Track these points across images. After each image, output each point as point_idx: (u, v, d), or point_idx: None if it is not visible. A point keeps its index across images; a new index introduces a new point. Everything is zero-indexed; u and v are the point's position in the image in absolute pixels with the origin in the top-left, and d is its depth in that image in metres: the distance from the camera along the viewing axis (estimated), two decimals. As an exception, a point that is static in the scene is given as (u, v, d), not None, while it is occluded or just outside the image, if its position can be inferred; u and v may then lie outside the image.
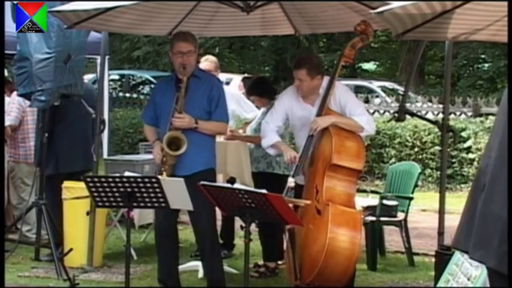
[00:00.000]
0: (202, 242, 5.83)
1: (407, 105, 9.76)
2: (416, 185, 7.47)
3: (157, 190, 4.79)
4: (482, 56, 23.14)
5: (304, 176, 5.56)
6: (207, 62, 7.40)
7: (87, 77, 15.15)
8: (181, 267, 6.77)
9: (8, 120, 7.66)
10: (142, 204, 4.95)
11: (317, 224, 5.25)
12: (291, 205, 5.41)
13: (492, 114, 12.67)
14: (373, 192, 8.07)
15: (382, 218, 7.23)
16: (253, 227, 5.98)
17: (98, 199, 4.94)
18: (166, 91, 5.75)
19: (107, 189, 4.85)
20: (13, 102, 7.72)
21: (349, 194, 5.40)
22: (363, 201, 7.51)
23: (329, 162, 5.31)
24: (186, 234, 8.37)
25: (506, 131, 3.23)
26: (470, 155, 11.94)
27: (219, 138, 6.94)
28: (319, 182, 5.35)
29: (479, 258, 3.39)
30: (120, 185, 4.82)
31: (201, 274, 6.58)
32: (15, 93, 7.45)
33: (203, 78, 5.75)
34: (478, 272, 4.93)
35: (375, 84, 20.12)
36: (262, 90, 6.96)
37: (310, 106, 5.66)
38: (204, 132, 5.68)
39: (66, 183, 7.06)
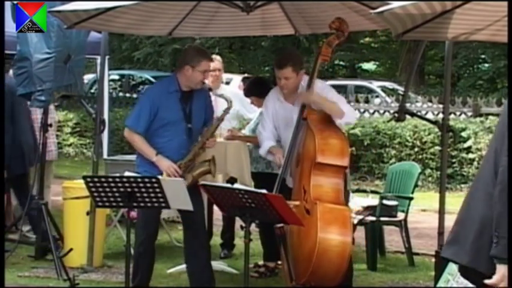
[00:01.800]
0: (195, 239, 5.78)
1: (407, 105, 9.76)
2: (416, 185, 7.47)
3: (157, 190, 4.79)
4: (482, 56, 23.13)
5: (292, 178, 5.60)
6: (216, 61, 7.48)
7: (87, 77, 15.23)
8: (181, 267, 6.78)
9: None
10: (142, 204, 4.95)
11: (307, 223, 5.23)
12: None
13: (492, 114, 12.67)
14: (373, 192, 8.06)
15: (382, 218, 7.23)
16: (253, 227, 5.99)
17: (98, 199, 4.94)
18: (170, 104, 5.63)
19: (107, 189, 4.85)
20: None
21: (336, 191, 5.38)
22: (363, 201, 7.52)
23: (314, 161, 5.33)
24: (186, 234, 8.37)
25: (497, 132, 3.23)
26: (470, 155, 11.93)
27: (220, 139, 6.96)
28: (306, 181, 5.37)
29: (450, 256, 3.35)
30: (120, 185, 4.81)
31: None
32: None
33: (201, 90, 5.79)
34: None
35: (375, 84, 20.11)
36: (260, 91, 6.96)
37: (291, 105, 5.72)
38: None
39: (66, 183, 7.06)
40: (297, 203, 5.33)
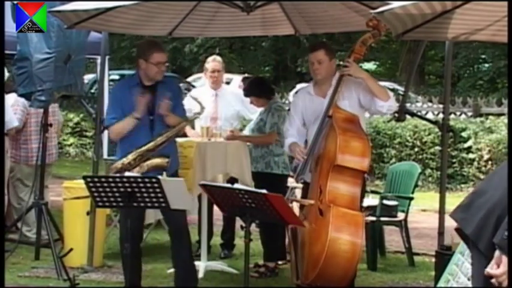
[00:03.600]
0: (180, 239, 5.82)
1: (408, 105, 9.76)
2: (416, 185, 7.47)
3: (157, 190, 4.79)
4: (483, 56, 23.14)
5: (311, 173, 5.52)
6: (215, 62, 7.51)
7: (87, 77, 15.21)
8: (181, 267, 6.77)
9: (15, 122, 7.65)
10: (142, 204, 4.94)
11: (319, 224, 5.21)
12: (298, 204, 5.44)
13: (492, 114, 12.68)
14: (373, 192, 8.04)
15: (382, 218, 7.23)
16: (253, 227, 5.99)
17: (98, 199, 4.94)
18: (132, 97, 5.72)
19: (107, 189, 4.84)
20: (18, 104, 7.70)
21: (352, 196, 5.30)
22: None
23: (333, 162, 5.24)
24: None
25: None
26: (471, 155, 11.93)
27: (220, 138, 6.96)
28: (323, 182, 5.29)
29: (458, 220, 3.37)
30: (120, 185, 4.81)
31: (201, 274, 6.58)
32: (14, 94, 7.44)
33: (166, 82, 5.89)
34: (478, 272, 4.92)
35: (375, 84, 20.08)
36: (260, 91, 6.97)
37: (322, 98, 5.60)
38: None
39: (66, 183, 7.06)
40: (312, 201, 5.31)
